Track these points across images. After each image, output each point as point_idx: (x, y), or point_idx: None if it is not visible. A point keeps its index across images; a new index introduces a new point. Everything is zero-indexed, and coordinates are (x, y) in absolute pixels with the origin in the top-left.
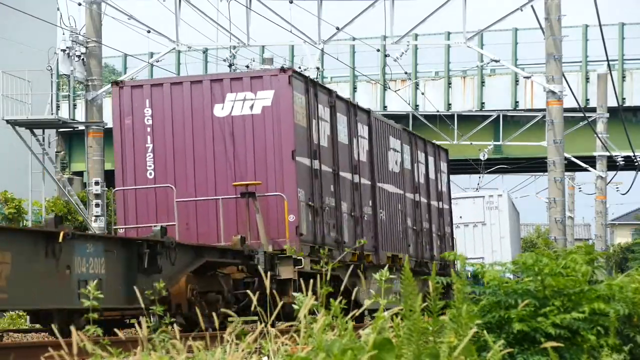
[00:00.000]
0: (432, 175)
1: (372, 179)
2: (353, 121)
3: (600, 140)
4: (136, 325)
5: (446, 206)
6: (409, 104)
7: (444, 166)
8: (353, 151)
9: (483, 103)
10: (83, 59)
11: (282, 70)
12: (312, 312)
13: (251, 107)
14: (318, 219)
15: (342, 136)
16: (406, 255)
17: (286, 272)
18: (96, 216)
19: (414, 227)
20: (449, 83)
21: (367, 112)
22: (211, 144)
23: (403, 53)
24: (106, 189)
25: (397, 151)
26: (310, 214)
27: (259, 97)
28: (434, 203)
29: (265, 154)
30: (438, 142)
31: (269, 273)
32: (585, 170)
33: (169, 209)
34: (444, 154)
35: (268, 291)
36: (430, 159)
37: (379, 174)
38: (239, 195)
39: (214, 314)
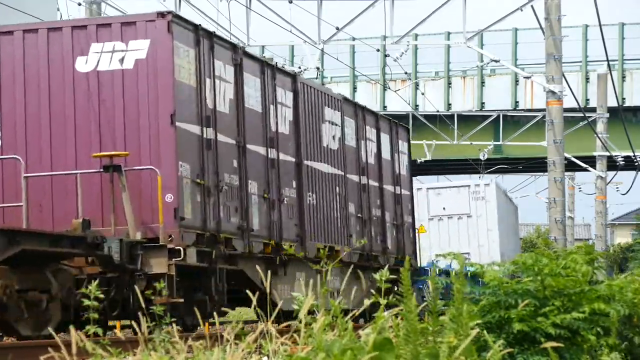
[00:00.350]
0: (386, 156)
1: (297, 156)
2: (270, 85)
3: (600, 140)
4: (135, 325)
5: (406, 192)
6: (409, 104)
7: (403, 146)
8: (269, 121)
9: (483, 103)
10: None
11: (161, 14)
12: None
13: (121, 61)
14: (211, 200)
15: (253, 102)
16: (345, 247)
17: (158, 265)
18: None
19: (359, 215)
20: (449, 83)
21: (292, 75)
22: (72, 106)
23: (403, 53)
24: None
25: (336, 125)
26: (198, 193)
27: (131, 48)
28: (388, 187)
29: (138, 119)
30: (438, 143)
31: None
32: (585, 170)
33: (17, 186)
34: (404, 132)
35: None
36: (384, 137)
37: (307, 150)
38: (102, 169)
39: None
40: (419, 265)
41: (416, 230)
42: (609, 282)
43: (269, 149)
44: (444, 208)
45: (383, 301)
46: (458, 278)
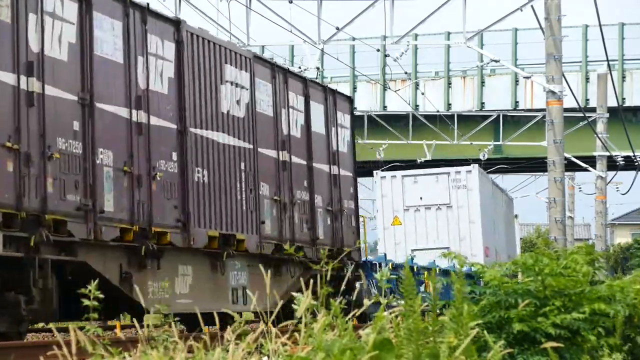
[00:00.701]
0: (318, 129)
1: (179, 122)
2: (138, 31)
3: (600, 140)
4: (136, 324)
5: (346, 173)
6: (409, 104)
7: (344, 119)
8: (134, 76)
9: (483, 103)
10: None
11: None
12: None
13: None
14: (32, 170)
15: (108, 50)
16: (254, 235)
17: None
18: None
19: (276, 198)
20: (449, 83)
21: (174, 21)
22: None
23: (403, 53)
24: None
25: (242, 87)
26: (10, 161)
27: None
28: (320, 166)
29: None
30: (438, 143)
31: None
32: (585, 170)
33: None
34: (345, 102)
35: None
36: (316, 107)
37: (194, 115)
38: None
39: None
40: (363, 258)
41: (361, 219)
42: (609, 283)
43: (132, 110)
44: (421, 198)
45: (384, 301)
46: (458, 278)
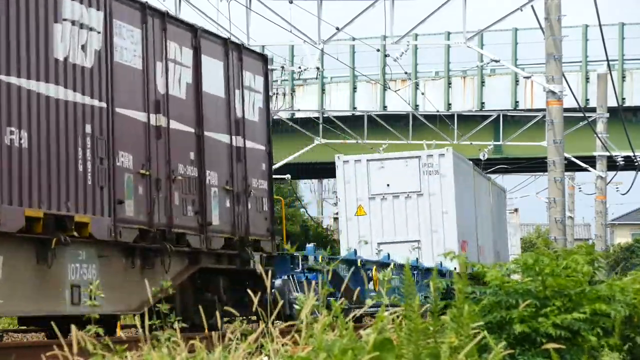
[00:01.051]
0: (213, 89)
1: None
2: None
3: (600, 140)
4: (137, 324)
5: (257, 146)
6: (409, 104)
7: (254, 80)
8: None
9: (483, 103)
10: None
11: None
12: None
13: None
14: None
15: None
16: (106, 218)
17: None
18: None
19: (144, 172)
20: (449, 83)
21: None
22: None
23: (403, 53)
24: None
25: (91, 29)
26: None
27: None
28: (216, 136)
29: None
30: (438, 143)
31: None
32: (585, 170)
33: None
34: (256, 61)
35: None
36: (212, 63)
37: (7, 58)
38: None
39: None
40: (277, 251)
41: (274, 200)
42: (609, 282)
43: None
44: (388, 184)
45: (385, 300)
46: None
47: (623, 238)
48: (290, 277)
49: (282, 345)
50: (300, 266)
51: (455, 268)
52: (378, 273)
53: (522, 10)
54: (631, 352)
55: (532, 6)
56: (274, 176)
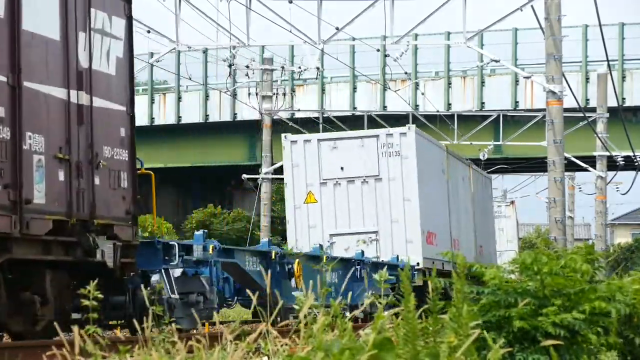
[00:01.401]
0: (41, 30)
1: None
2: None
3: (600, 140)
4: (136, 324)
5: (113, 106)
6: (409, 104)
7: (111, 23)
8: None
9: (483, 103)
10: None
11: None
12: None
13: None
14: None
15: None
16: None
17: None
18: None
19: None
20: (449, 83)
21: None
22: None
23: (403, 53)
24: None
25: None
26: None
27: None
28: (43, 89)
29: None
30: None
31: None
32: (585, 170)
33: None
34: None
35: None
36: None
37: None
38: None
39: None
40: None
41: (136, 172)
42: (609, 282)
43: None
44: (342, 168)
45: (383, 300)
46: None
47: (623, 238)
48: (164, 272)
49: (281, 345)
50: (177, 258)
51: (418, 263)
52: (312, 268)
53: (522, 10)
54: (631, 352)
55: (532, 6)
56: (275, 177)
